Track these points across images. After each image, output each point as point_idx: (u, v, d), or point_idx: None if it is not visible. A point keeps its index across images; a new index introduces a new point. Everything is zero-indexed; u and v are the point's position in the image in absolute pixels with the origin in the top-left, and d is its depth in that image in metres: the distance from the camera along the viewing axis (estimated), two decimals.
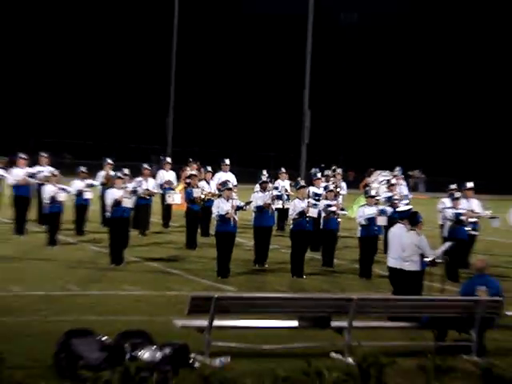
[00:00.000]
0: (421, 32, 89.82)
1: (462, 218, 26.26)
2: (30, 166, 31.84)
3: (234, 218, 24.00)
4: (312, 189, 28.82)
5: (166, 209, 33.64)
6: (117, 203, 24.63)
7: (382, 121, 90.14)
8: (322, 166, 37.90)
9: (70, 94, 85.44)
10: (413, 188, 70.94)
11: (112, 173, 30.88)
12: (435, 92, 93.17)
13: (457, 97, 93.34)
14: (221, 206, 23.96)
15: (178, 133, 67.61)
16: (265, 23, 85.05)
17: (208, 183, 30.70)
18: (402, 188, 31.90)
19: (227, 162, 33.45)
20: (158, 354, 13.53)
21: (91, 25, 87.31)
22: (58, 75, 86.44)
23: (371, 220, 25.29)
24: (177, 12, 67.15)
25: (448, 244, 20.78)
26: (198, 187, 29.74)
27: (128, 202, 25.02)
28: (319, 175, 32.22)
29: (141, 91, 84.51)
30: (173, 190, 32.69)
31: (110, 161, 33.40)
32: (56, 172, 29.34)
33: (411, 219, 19.70)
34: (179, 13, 66.73)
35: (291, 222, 25.24)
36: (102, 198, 29.89)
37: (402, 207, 25.74)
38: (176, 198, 32.17)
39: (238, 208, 24.39)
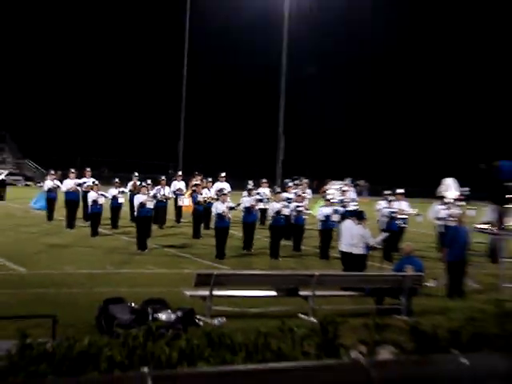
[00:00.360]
0: (358, 64, 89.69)
1: (394, 215, 26.36)
2: (78, 177, 31.87)
3: (228, 216, 24.09)
4: (285, 194, 28.79)
5: (178, 209, 33.60)
6: (142, 205, 24.67)
7: (337, 142, 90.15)
8: (295, 177, 37.61)
9: (108, 125, 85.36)
10: (359, 193, 70.83)
11: (138, 182, 30.90)
12: (374, 122, 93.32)
13: (391, 123, 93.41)
14: (218, 207, 24.03)
15: (187, 152, 67.60)
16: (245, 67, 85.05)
17: (209, 190, 30.66)
18: (351, 193, 31.92)
19: (223, 174, 33.38)
20: (173, 316, 13.54)
21: (121, 69, 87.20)
22: (99, 111, 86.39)
23: (328, 217, 25.38)
24: (185, 69, 67.06)
25: (384, 234, 20.89)
26: (201, 193, 29.79)
27: (150, 204, 25.07)
28: (291, 184, 32.24)
29: (160, 122, 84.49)
30: (183, 195, 32.63)
31: (136, 174, 33.45)
32: (97, 182, 29.41)
33: (358, 216, 19.79)
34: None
35: (270, 218, 25.29)
36: (131, 201, 29.93)
37: (351, 207, 25.79)
38: (185, 201, 32.14)
39: (231, 208, 24.49)
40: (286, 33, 53.72)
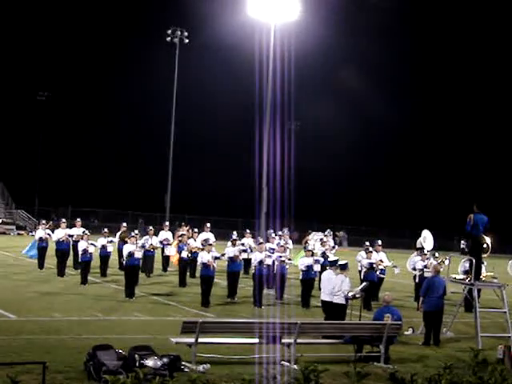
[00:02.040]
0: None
1: (374, 265, 26.39)
2: (69, 227, 31.79)
3: (213, 265, 24.01)
4: (268, 245, 28.80)
5: (165, 258, 33.50)
6: (130, 254, 24.60)
7: (319, 195, 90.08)
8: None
9: (98, 177, 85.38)
10: (339, 244, 71.15)
11: (126, 232, 30.86)
12: (354, 174, 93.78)
13: (371, 175, 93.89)
14: (204, 257, 23.99)
15: (174, 204, 67.66)
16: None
17: (194, 240, 30.64)
18: (331, 242, 32.14)
19: (208, 225, 33.44)
20: (159, 362, 13.43)
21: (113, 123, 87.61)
22: (90, 163, 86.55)
23: (309, 267, 25.34)
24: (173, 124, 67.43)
25: (364, 284, 20.81)
26: (187, 243, 29.75)
27: (138, 254, 25.02)
28: (273, 235, 32.29)
29: (148, 175, 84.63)
30: (170, 245, 32.55)
31: (124, 224, 33.43)
32: (87, 232, 29.37)
33: (341, 266, 19.69)
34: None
35: (253, 268, 25.23)
36: (120, 250, 29.88)
37: (331, 258, 25.74)
38: (171, 251, 32.13)
39: (216, 258, 24.42)
40: (270, 84, 54.13)
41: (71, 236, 30.77)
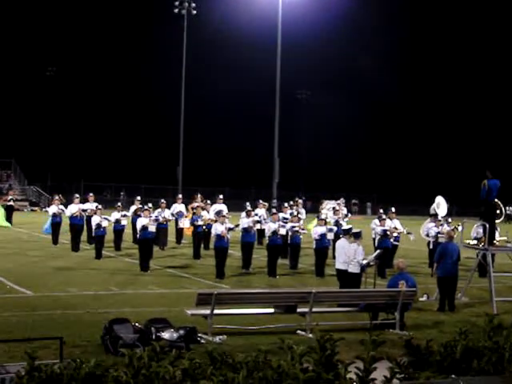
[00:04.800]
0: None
1: (387, 233, 26.38)
2: (82, 202, 31.86)
3: (227, 237, 24.03)
4: (281, 214, 28.77)
5: (179, 231, 33.57)
6: (144, 228, 24.65)
7: (331, 163, 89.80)
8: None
9: (112, 153, 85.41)
10: (355, 212, 71.39)
11: (140, 206, 30.91)
12: (366, 142, 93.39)
13: (382, 142, 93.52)
14: (217, 228, 24.00)
15: (186, 177, 67.65)
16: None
17: (208, 212, 30.67)
18: (344, 211, 32.14)
19: (221, 196, 33.44)
20: (175, 335, 13.51)
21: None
22: (102, 137, 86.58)
23: (323, 236, 25.35)
24: (183, 104, 67.22)
25: (378, 251, 20.83)
26: (201, 215, 29.75)
27: (152, 227, 25.04)
28: (286, 204, 32.27)
29: (160, 148, 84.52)
30: (183, 217, 32.56)
31: (138, 198, 33.45)
32: (100, 206, 29.46)
33: (355, 234, 19.71)
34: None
35: (267, 238, 25.26)
36: (134, 224, 29.96)
37: (345, 226, 25.75)
38: (185, 223, 32.12)
39: (230, 229, 24.43)
40: (279, 59, 53.84)
41: (84, 211, 30.86)
